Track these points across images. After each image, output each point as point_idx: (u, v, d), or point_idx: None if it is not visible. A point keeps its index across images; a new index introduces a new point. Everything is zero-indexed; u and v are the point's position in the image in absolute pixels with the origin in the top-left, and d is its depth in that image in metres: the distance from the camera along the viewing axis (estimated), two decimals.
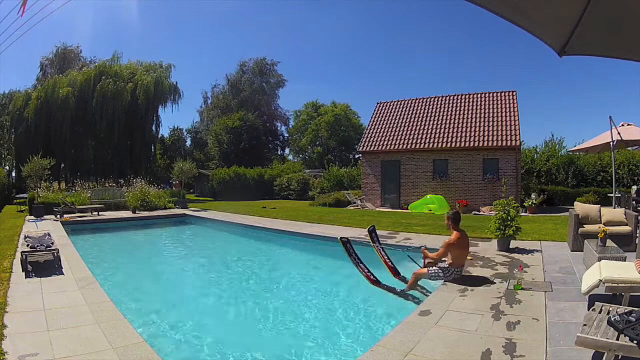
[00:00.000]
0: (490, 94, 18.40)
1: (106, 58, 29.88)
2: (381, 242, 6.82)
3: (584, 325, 2.82)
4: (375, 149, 18.39)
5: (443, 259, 5.25)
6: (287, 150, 49.36)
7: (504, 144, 15.80)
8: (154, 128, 30.97)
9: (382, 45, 63.74)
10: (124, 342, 3.41)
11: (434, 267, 5.25)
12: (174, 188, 26.19)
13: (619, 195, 11.40)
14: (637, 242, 6.18)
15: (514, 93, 17.94)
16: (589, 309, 3.27)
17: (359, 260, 5.98)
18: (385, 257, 6.17)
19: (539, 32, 1.96)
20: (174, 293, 6.37)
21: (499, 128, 16.45)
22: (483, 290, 4.88)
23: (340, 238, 6.12)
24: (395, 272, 5.94)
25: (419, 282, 5.41)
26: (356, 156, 35.24)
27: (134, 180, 18.94)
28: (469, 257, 6.67)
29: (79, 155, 27.86)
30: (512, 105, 17.36)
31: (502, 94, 18.20)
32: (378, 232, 10.24)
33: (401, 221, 12.08)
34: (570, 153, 18.83)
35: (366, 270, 5.83)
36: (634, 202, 11.55)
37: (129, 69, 29.14)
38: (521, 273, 5.29)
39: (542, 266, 6.00)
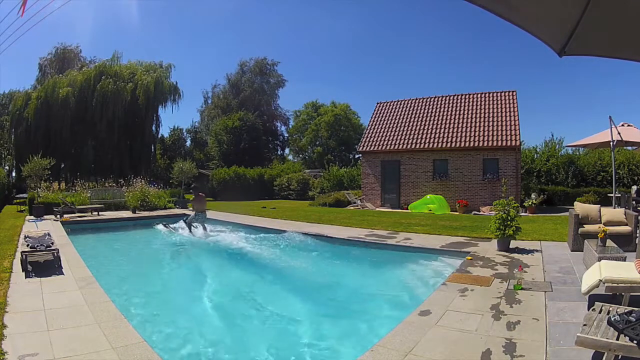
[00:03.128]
0: (490, 94, 18.40)
1: (106, 58, 29.90)
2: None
3: (584, 325, 2.82)
4: (375, 149, 18.39)
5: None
6: (287, 150, 49.43)
7: (504, 144, 15.80)
8: (154, 128, 31.02)
9: (382, 45, 63.74)
10: (124, 342, 3.41)
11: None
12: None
13: (619, 195, 11.40)
14: (637, 242, 6.18)
15: (514, 93, 17.94)
16: (589, 309, 3.28)
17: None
18: None
19: (539, 33, 1.96)
20: (174, 293, 6.37)
21: (499, 128, 16.45)
22: (483, 290, 4.88)
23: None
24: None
25: None
26: (356, 156, 35.26)
27: (134, 180, 18.94)
28: (468, 258, 6.69)
29: (79, 155, 27.86)
30: (512, 105, 17.36)
31: (502, 94, 18.20)
32: (378, 232, 10.27)
33: (401, 221, 12.09)
34: (570, 150, 18.87)
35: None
36: (634, 202, 11.56)
37: (129, 69, 29.14)
38: (521, 273, 5.29)
39: (542, 266, 6.00)
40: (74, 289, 4.96)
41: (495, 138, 16.15)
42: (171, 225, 12.15)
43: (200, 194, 11.67)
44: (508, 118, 16.72)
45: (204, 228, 11.24)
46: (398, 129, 18.76)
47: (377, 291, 6.06)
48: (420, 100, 19.98)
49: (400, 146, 17.85)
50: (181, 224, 11.78)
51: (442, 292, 4.85)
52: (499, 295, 4.64)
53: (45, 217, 13.10)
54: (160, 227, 12.24)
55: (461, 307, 4.27)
